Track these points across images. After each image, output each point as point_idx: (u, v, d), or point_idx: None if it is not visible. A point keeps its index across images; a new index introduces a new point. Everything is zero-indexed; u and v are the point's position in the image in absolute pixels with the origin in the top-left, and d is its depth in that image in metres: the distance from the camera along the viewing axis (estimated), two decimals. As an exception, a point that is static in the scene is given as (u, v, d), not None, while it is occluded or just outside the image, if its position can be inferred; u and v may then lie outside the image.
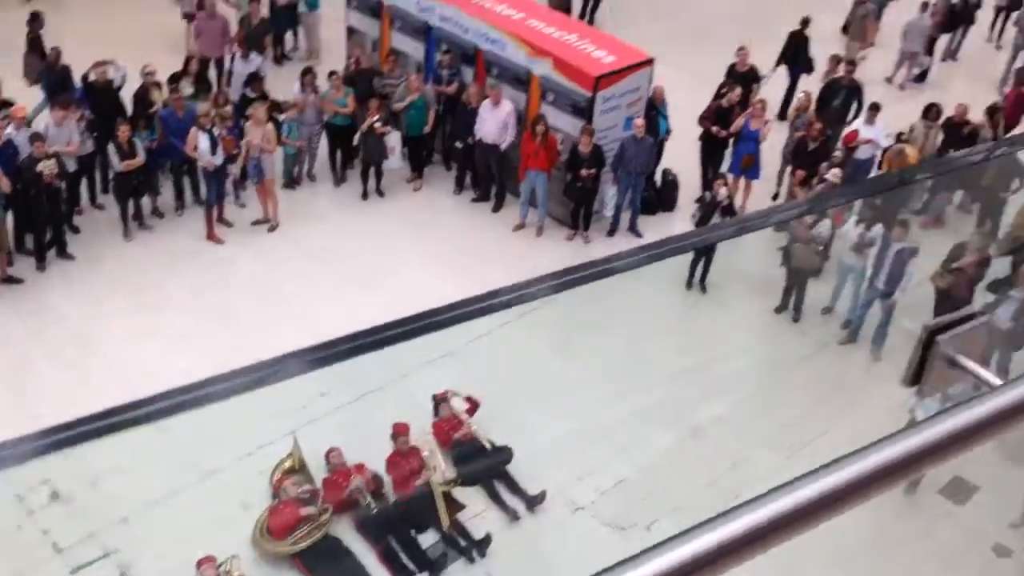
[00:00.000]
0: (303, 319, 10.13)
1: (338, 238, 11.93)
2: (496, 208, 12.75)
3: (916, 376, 1.49)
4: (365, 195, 12.73)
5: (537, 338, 9.09)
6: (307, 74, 12.50)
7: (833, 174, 11.56)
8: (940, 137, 12.75)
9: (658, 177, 12.84)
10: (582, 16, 16.47)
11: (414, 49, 13.35)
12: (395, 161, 12.68)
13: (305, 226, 12.08)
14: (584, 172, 11.71)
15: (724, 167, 12.73)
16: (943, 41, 16.73)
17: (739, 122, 12.43)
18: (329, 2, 14.80)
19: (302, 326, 9.61)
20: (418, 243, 11.94)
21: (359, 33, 13.82)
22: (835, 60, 13.93)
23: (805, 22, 14.63)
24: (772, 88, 14.04)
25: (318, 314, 10.10)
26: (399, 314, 1.30)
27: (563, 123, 12.05)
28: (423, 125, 12.65)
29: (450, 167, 13.22)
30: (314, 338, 1.30)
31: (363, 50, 13.42)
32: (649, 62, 12.20)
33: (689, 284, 11.23)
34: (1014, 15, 16.88)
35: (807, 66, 14.48)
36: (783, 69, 14.52)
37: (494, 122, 12.12)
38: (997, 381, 1.23)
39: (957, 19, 16.54)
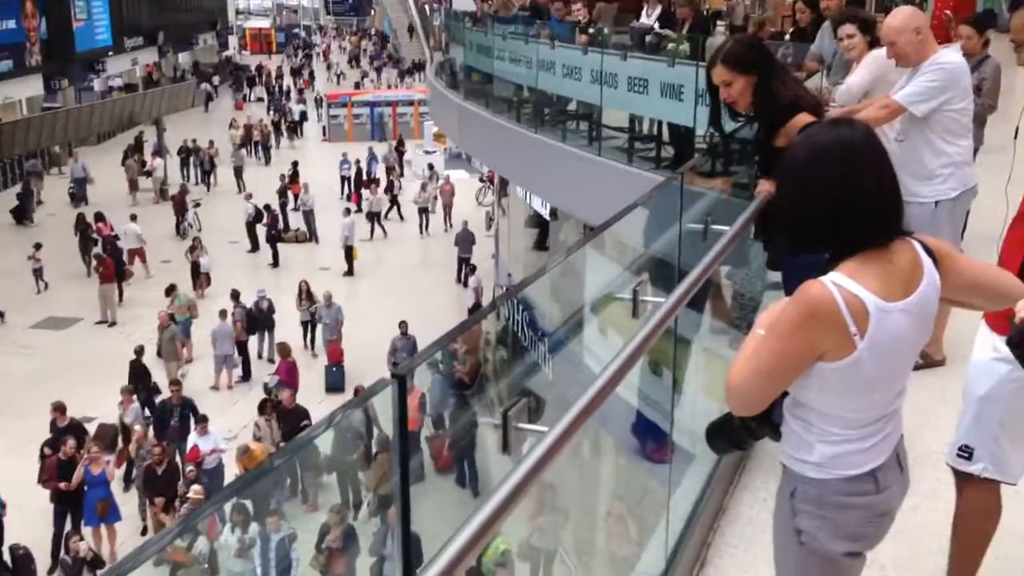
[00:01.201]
0: None
1: None
2: None
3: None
4: None
5: None
6: None
7: (195, 491, 11.60)
8: (280, 426, 13.65)
9: (7, 556, 11.41)
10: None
11: None
12: None
13: None
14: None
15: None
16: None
17: (79, 472, 11.94)
18: None
19: None
20: None
21: None
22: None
23: (139, 351, 15.78)
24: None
25: None
26: None
27: None
28: None
29: None
30: None
31: None
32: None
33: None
34: (320, 325, 18.59)
35: (155, 390, 15.29)
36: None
37: None
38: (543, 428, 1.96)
39: (258, 324, 18.23)
